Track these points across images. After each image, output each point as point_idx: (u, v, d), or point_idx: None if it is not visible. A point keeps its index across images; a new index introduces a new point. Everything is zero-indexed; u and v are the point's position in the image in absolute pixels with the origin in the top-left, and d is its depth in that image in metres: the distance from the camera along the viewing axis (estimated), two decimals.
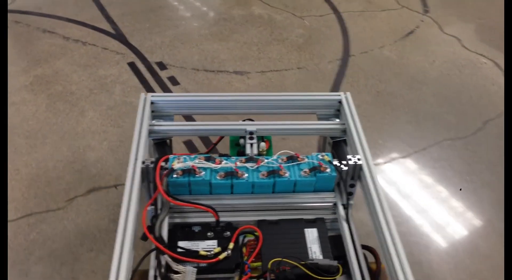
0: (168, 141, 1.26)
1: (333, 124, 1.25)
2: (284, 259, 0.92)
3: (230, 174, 1.04)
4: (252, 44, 2.42)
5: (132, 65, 2.23)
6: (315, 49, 2.40)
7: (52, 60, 2.23)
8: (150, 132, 1.19)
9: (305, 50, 2.39)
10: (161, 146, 1.24)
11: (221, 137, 1.42)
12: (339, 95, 1.28)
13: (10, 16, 2.57)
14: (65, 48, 2.33)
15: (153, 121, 1.23)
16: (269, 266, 0.92)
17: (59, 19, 2.56)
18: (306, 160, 1.08)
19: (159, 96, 1.26)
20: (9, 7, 2.65)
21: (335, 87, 2.14)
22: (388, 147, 1.84)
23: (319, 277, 0.91)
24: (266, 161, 1.07)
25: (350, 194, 1.12)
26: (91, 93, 2.05)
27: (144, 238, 0.96)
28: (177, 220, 1.04)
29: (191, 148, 1.80)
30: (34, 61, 2.23)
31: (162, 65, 2.24)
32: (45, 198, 1.58)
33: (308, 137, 1.81)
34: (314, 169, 1.06)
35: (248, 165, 1.06)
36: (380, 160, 1.79)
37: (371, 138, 1.88)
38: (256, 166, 1.06)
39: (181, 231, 1.02)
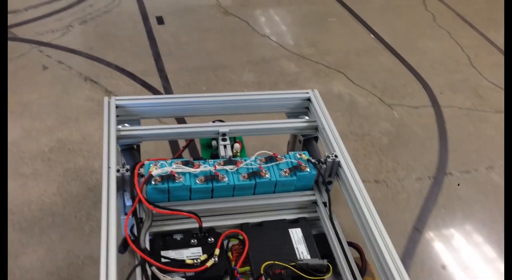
0: (135, 146, 1.21)
1: (305, 122, 1.27)
2: (276, 262, 0.91)
3: (211, 177, 1.02)
4: None
5: (173, 143, 1.83)
6: (401, 156, 1.89)
7: (83, 121, 1.88)
8: (118, 138, 1.13)
9: (389, 155, 1.89)
10: (129, 151, 1.18)
11: (191, 141, 1.39)
12: (308, 92, 1.32)
13: (53, 53, 2.26)
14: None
15: (119, 126, 1.17)
16: (261, 270, 0.90)
17: (107, 65, 2.22)
18: (284, 159, 1.09)
19: (124, 99, 1.22)
20: (56, 42, 2.34)
21: (421, 221, 1.63)
22: None
23: (311, 277, 0.91)
24: (245, 162, 1.06)
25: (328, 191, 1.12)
26: None
27: (121, 250, 0.93)
28: (154, 229, 1.01)
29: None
30: (63, 118, 1.89)
31: None
32: None
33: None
34: (294, 168, 1.07)
35: (228, 167, 1.05)
36: None
37: None
38: (236, 168, 1.05)
39: (163, 240, 0.99)
